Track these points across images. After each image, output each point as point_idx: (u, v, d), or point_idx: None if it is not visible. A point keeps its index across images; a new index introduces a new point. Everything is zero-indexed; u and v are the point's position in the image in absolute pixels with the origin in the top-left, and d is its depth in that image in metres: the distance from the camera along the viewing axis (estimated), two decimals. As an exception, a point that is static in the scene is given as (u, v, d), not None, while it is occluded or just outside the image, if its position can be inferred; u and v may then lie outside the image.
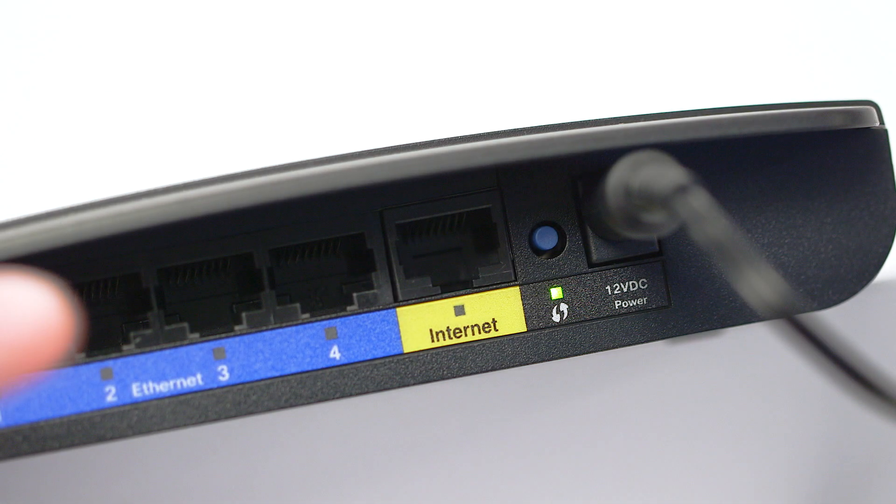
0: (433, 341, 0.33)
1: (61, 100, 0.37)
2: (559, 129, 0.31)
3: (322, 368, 0.32)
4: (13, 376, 0.27)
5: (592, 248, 0.33)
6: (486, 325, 0.33)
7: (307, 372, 0.32)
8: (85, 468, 0.39)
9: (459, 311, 0.33)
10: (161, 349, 0.31)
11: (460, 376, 0.32)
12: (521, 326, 0.33)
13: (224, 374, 0.31)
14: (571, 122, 0.32)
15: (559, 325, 0.33)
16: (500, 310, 0.33)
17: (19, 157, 0.36)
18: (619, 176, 0.29)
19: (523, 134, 0.31)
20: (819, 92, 0.40)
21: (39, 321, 0.27)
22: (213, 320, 0.32)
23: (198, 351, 0.32)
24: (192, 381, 0.31)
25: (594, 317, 0.33)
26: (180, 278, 0.32)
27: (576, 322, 0.33)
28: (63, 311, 0.27)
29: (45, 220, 0.28)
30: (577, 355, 0.33)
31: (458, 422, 0.40)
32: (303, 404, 0.32)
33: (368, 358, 0.32)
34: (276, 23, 0.39)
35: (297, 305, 0.32)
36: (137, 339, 0.31)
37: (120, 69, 0.37)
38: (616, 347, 0.33)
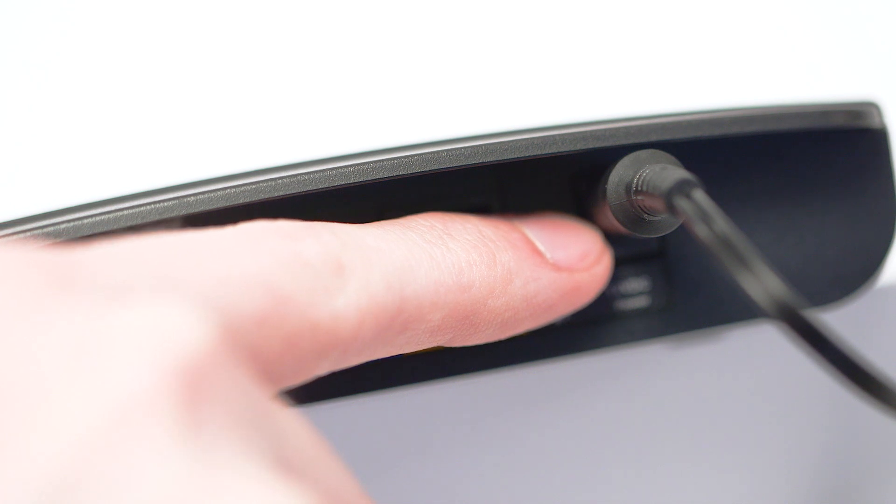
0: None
1: (71, 97, 0.37)
2: (559, 129, 0.31)
3: None
4: (575, 297, 0.30)
5: (593, 247, 0.33)
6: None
7: None
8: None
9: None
10: None
11: (461, 376, 0.32)
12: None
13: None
14: (571, 122, 0.32)
15: (559, 324, 0.33)
16: (500, 310, 0.33)
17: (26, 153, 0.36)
18: (620, 175, 0.29)
19: (523, 134, 0.31)
20: (820, 91, 0.40)
21: (600, 252, 0.31)
22: None
23: None
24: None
25: (595, 316, 0.33)
26: None
27: (576, 322, 0.33)
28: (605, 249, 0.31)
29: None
30: (577, 355, 0.33)
31: (455, 423, 0.40)
32: None
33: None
34: (278, 23, 0.39)
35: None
36: None
37: (125, 70, 0.37)
38: (617, 347, 0.33)
